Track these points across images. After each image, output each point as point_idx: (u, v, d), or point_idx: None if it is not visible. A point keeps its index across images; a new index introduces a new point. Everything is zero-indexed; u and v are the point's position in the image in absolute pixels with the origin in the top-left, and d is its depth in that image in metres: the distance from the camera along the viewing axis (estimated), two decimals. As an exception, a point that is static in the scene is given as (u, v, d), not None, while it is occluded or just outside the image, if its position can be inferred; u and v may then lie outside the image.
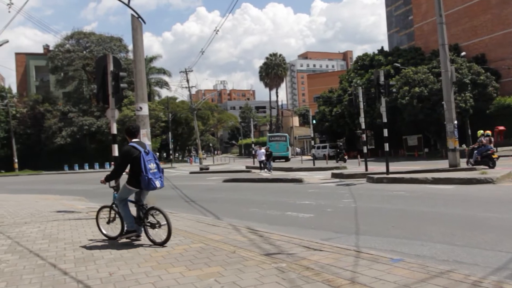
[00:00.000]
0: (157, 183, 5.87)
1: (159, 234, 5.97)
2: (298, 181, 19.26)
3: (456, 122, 18.93)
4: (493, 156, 18.39)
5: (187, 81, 46.46)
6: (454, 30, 43.53)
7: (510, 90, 40.04)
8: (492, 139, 19.58)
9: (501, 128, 35.43)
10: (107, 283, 4.33)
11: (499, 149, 32.53)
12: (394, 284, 3.94)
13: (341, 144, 37.76)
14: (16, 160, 53.97)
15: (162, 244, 5.87)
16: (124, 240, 6.30)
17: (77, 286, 4.27)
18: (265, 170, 28.25)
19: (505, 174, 14.71)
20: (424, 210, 9.42)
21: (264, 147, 32.49)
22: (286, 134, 56.88)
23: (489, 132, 18.78)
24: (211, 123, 79.40)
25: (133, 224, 6.16)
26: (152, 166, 5.91)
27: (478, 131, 19.44)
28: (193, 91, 55.50)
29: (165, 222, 5.79)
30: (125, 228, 6.22)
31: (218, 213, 10.31)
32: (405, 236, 6.79)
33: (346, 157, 34.64)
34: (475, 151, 19.07)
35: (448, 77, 18.83)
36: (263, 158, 28.88)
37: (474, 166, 17.74)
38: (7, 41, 22.91)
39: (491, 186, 13.16)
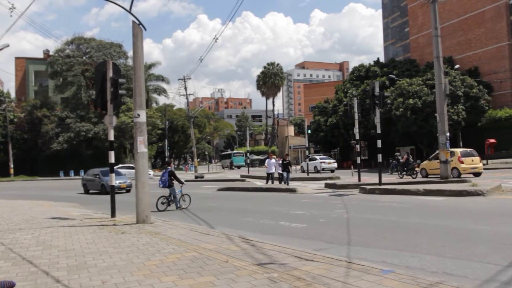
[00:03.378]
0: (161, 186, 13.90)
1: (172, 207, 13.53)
2: (292, 191, 19.31)
3: (448, 134, 19.15)
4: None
5: (185, 88, 46.51)
6: (449, 43, 43.95)
7: (502, 103, 40.43)
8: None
9: (492, 140, 35.77)
10: (100, 291, 4.36)
11: (489, 161, 32.90)
12: (384, 295, 4.00)
13: (398, 154, 30.86)
14: (11, 166, 53.59)
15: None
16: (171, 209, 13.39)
17: (70, 294, 4.29)
18: (271, 183, 23.02)
19: (495, 187, 14.89)
20: (415, 222, 9.51)
21: (281, 156, 25.36)
22: (243, 151, 67.63)
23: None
24: (207, 131, 79.31)
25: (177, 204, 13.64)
26: (163, 178, 13.82)
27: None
28: (191, 98, 55.62)
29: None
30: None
31: (212, 222, 10.36)
32: (396, 248, 6.85)
33: (417, 169, 25.59)
34: None
35: (442, 89, 19.05)
36: (273, 169, 23.05)
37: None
38: (8, 45, 22.85)
39: (481, 199, 13.30)
